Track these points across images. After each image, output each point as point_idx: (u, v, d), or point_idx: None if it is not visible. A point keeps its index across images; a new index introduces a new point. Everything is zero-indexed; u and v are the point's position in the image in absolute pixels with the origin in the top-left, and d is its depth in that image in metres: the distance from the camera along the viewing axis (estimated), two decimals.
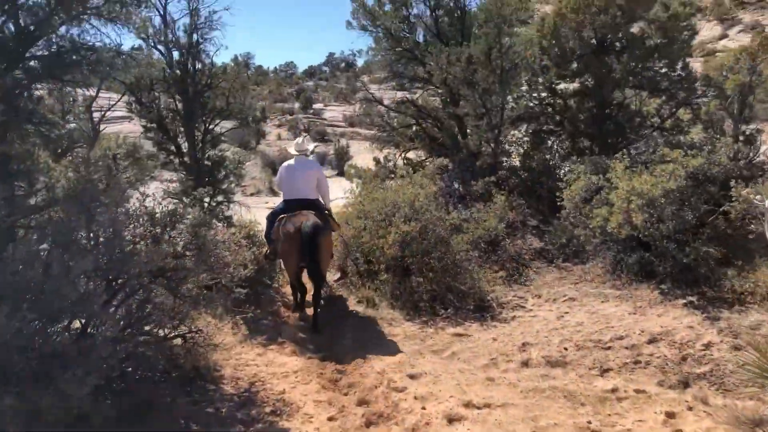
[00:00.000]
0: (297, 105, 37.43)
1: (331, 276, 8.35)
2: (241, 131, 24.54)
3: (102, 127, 11.28)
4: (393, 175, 12.34)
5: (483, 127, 10.20)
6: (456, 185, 10.50)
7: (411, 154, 13.10)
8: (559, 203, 8.59)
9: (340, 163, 19.46)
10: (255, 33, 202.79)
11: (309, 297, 7.26)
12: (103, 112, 9.97)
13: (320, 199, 7.48)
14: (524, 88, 10.59)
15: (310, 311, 7.04)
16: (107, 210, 4.60)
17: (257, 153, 22.14)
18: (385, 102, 13.40)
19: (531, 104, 10.66)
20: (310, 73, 73.60)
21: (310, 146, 7.82)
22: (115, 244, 4.54)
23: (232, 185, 8.90)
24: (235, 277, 5.40)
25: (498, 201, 8.79)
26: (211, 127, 8.49)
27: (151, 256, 4.57)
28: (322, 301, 7.08)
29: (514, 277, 7.92)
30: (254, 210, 14.20)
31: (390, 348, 6.02)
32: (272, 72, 73.27)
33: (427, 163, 12.39)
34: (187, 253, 5.00)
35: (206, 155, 8.58)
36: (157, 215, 4.99)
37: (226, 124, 9.38)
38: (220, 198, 8.79)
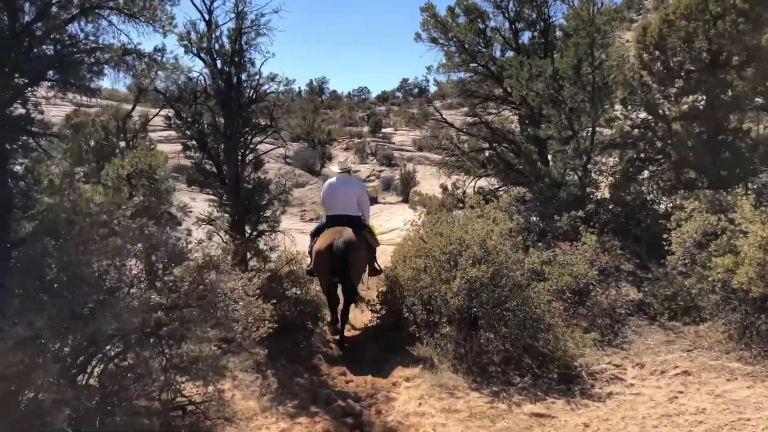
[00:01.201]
0: (366, 129, 36.66)
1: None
2: (306, 152, 23.87)
3: (151, 144, 10.53)
4: (461, 205, 11.06)
5: (569, 152, 8.76)
6: (535, 219, 9.06)
7: (483, 182, 11.74)
8: (663, 247, 7.05)
9: (406, 189, 18.24)
10: (330, 57, 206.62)
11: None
12: (136, 126, 9.10)
13: (362, 215, 7.69)
14: (619, 108, 9.06)
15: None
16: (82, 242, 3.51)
17: (321, 176, 21.25)
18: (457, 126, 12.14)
19: (627, 127, 9.12)
20: (383, 98, 73.53)
21: (352, 165, 8.75)
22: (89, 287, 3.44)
23: (277, 212, 7.78)
24: (250, 334, 4.17)
25: (587, 241, 7.31)
26: (252, 146, 7.41)
27: (136, 307, 3.44)
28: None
29: (607, 338, 6.41)
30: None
31: None
32: (346, 97, 73.69)
33: (501, 193, 11.02)
34: (191, 302, 3.84)
35: (248, 177, 7.51)
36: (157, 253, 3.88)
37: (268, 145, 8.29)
38: (263, 227, 7.68)
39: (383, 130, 37.03)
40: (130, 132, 13.04)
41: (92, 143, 12.74)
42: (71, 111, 13.63)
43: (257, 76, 7.30)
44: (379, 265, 7.86)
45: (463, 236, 6.32)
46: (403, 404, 5.24)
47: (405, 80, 77.89)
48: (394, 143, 30.90)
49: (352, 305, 7.22)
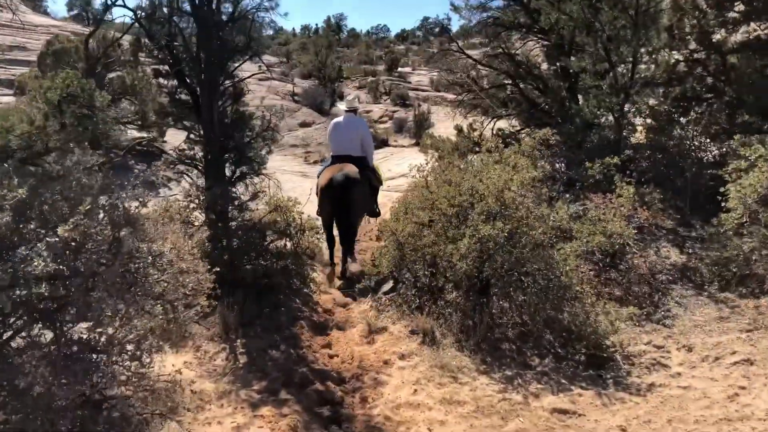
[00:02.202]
0: (382, 67, 34.96)
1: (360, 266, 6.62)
2: (315, 90, 22.51)
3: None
4: (478, 149, 9.90)
5: (605, 88, 7.50)
6: (561, 166, 7.90)
7: (503, 123, 10.51)
8: (710, 201, 5.93)
9: (419, 131, 16.97)
10: None
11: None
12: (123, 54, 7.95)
13: (367, 157, 7.49)
14: (665, 36, 7.71)
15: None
16: None
17: (329, 116, 19.98)
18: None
19: (675, 59, 7.79)
20: (403, 37, 71.29)
21: (361, 105, 8.51)
22: None
23: (262, 152, 6.68)
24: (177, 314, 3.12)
25: (624, 193, 6.16)
26: (232, 70, 6.25)
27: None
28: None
29: (646, 311, 5.34)
30: (313, 182, 12.08)
31: None
32: (364, 35, 71.52)
33: (523, 136, 9.83)
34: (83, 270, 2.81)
35: (226, 109, 6.38)
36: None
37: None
38: (244, 168, 6.60)
39: (400, 69, 35.32)
40: (118, 61, 11.90)
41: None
42: (52, 37, 12.45)
43: None
44: (378, 208, 7.79)
45: (476, 186, 5.21)
46: (395, 390, 4.27)
47: (426, 19, 75.17)
48: (410, 82, 29.32)
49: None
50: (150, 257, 2.84)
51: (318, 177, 7.60)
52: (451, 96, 24.59)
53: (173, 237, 3.35)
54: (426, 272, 5.45)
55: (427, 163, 6.57)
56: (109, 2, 6.61)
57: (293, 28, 67.13)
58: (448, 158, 7.81)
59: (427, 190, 5.71)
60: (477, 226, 4.90)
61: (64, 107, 4.04)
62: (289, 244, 7.17)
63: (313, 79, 25.81)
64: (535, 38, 9.71)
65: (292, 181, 12.41)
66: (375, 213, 7.72)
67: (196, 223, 5.72)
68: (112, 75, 11.93)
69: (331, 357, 4.89)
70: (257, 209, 6.66)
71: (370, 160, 7.62)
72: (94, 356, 2.92)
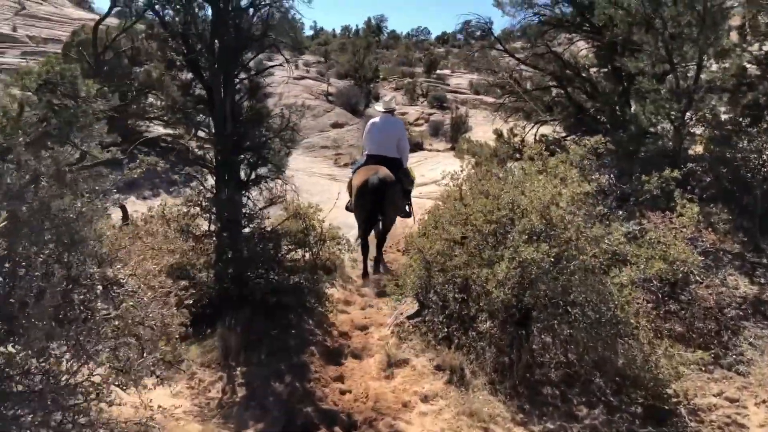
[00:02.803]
0: (420, 69, 34.23)
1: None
2: (350, 90, 21.91)
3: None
4: (518, 156, 9.17)
5: (664, 93, 6.69)
6: (610, 178, 7.10)
7: (546, 129, 9.74)
8: None
9: (456, 135, 16.21)
10: None
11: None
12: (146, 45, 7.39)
13: (402, 158, 7.55)
14: (735, 36, 6.86)
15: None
16: None
17: (364, 117, 19.36)
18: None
19: (746, 62, 6.93)
20: (443, 39, 70.64)
21: (398, 106, 8.21)
22: None
23: (281, 153, 6.07)
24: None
25: (687, 212, 5.35)
26: (247, 62, 5.65)
27: None
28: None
29: (713, 353, 4.54)
30: (342, 185, 11.47)
31: None
32: (404, 37, 71.15)
33: (568, 142, 9.06)
34: None
35: (242, 106, 5.80)
36: None
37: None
38: (263, 170, 5.99)
39: (439, 71, 34.56)
40: (144, 53, 11.49)
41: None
42: (78, 27, 12.11)
43: None
44: (411, 208, 7.86)
45: (517, 199, 4.50)
46: None
47: (467, 22, 74.12)
48: (448, 85, 28.54)
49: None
50: (101, 285, 2.23)
51: (352, 175, 7.66)
52: (490, 99, 23.78)
53: (147, 256, 2.75)
54: (456, 297, 4.75)
55: (462, 170, 5.89)
56: None
57: (333, 29, 67.10)
58: (485, 165, 7.12)
59: (460, 203, 5.01)
60: (518, 248, 4.18)
61: (41, 95, 3.52)
62: (307, 255, 6.59)
63: (349, 79, 25.26)
64: (585, 37, 8.92)
65: (319, 184, 11.83)
66: (407, 214, 7.78)
67: (199, 231, 5.13)
68: (138, 69, 11.55)
69: (342, 393, 4.23)
70: (270, 216, 6.10)
71: (405, 162, 7.66)
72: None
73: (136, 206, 9.85)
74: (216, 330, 4.50)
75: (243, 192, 5.90)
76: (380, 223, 7.22)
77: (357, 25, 58.30)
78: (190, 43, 5.71)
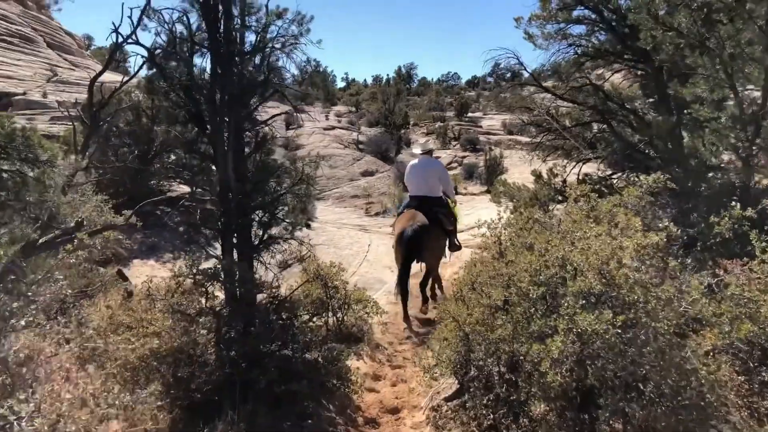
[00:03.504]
0: (451, 113, 33.84)
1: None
2: (380, 137, 21.50)
3: None
4: (560, 198, 8.41)
5: (725, 121, 5.90)
6: (674, 222, 6.26)
7: (589, 167, 8.95)
8: None
9: (491, 177, 15.50)
10: (417, 43, 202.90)
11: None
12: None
13: (443, 194, 8.01)
14: None
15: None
16: None
17: (395, 163, 18.84)
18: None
19: None
20: (474, 83, 70.91)
21: (434, 146, 8.59)
22: None
23: (295, 210, 5.45)
24: None
25: None
26: (250, 111, 5.08)
27: None
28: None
29: None
30: (372, 236, 10.82)
31: None
32: (435, 83, 71.64)
33: (614, 180, 8.30)
34: None
35: (250, 161, 5.21)
36: None
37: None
38: (276, 230, 5.37)
39: (470, 114, 34.11)
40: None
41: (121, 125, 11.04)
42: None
43: (257, 11, 4.98)
44: (458, 241, 8.25)
45: (571, 256, 3.74)
46: None
47: (497, 65, 74.42)
48: (480, 127, 27.99)
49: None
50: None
51: (396, 216, 8.20)
52: (525, 139, 23.11)
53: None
54: (502, 375, 3.96)
55: (499, 218, 5.17)
56: (119, 40, 5.67)
57: (365, 79, 67.80)
58: (526, 211, 6.39)
59: (500, 262, 4.27)
60: (574, 316, 3.42)
61: None
62: (331, 320, 5.91)
63: (379, 126, 24.97)
64: (626, 66, 8.21)
65: (349, 236, 11.20)
66: (457, 247, 8.19)
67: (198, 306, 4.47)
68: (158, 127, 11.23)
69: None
70: (285, 277, 5.46)
71: (450, 196, 8.23)
72: None
73: (156, 270, 9.37)
74: (215, 428, 3.79)
75: (255, 255, 5.30)
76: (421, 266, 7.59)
77: (388, 74, 58.89)
78: (192, 95, 5.22)
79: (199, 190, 5.21)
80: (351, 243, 10.60)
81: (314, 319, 5.52)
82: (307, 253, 6.07)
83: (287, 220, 5.45)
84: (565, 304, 3.51)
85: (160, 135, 10.99)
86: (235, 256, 5.10)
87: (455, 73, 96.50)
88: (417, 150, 8.34)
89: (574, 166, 8.72)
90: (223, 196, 4.89)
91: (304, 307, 5.36)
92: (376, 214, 13.47)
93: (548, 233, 4.47)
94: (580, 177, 8.53)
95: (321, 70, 65.77)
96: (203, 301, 4.19)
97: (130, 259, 9.60)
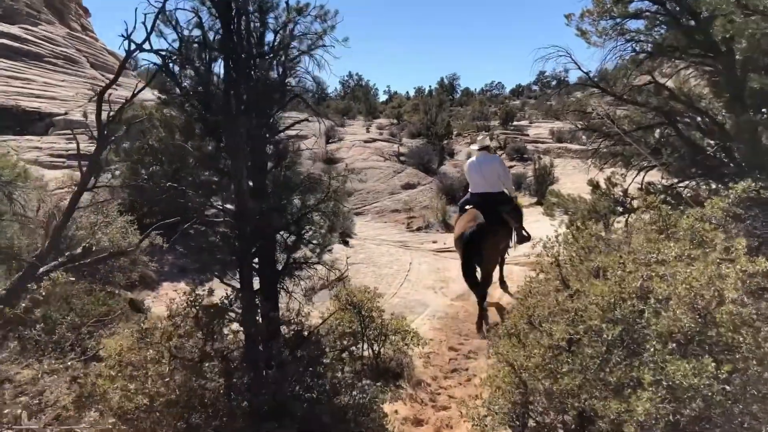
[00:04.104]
0: (496, 122, 32.92)
1: None
2: (422, 149, 20.80)
3: None
4: (622, 209, 7.61)
5: None
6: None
7: (652, 176, 8.09)
8: None
9: (541, 187, 14.62)
10: (460, 54, 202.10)
11: None
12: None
13: (504, 189, 7.98)
14: None
15: None
16: None
17: (438, 175, 18.11)
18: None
19: None
20: (518, 92, 69.91)
21: (492, 143, 9.01)
22: None
23: (322, 230, 4.84)
24: None
25: None
26: (269, 121, 4.50)
27: None
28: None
29: None
30: (414, 254, 10.17)
31: None
32: (478, 93, 70.80)
33: (682, 189, 7.45)
34: None
35: (271, 175, 4.63)
36: None
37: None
38: (300, 253, 4.77)
39: (516, 122, 33.15)
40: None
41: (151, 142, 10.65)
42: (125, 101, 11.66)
43: (275, 6, 4.42)
44: (527, 232, 8.20)
45: (655, 286, 3.00)
46: None
47: (542, 73, 73.73)
48: (527, 135, 27.01)
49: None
50: None
51: (459, 214, 8.17)
52: (576, 146, 22.08)
53: None
54: (568, 429, 3.23)
55: (556, 235, 4.46)
56: (132, 47, 5.19)
57: (407, 92, 67.40)
58: (586, 227, 5.65)
59: (562, 292, 3.55)
60: (662, 362, 2.69)
61: None
62: (366, 353, 5.28)
63: (421, 137, 24.32)
64: (693, 62, 7.36)
65: (389, 253, 10.54)
66: (524, 238, 8.14)
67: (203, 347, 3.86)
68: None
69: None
70: (312, 304, 4.87)
71: (510, 191, 8.15)
72: None
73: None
74: None
75: (279, 283, 4.72)
76: (479, 271, 7.35)
77: (430, 86, 58.49)
78: (208, 104, 4.68)
79: (214, 210, 4.64)
80: (391, 261, 9.94)
81: (345, 354, 4.89)
82: (339, 277, 5.44)
83: (314, 242, 4.86)
84: (651, 349, 2.78)
85: (193, 151, 10.60)
86: (257, 284, 4.55)
87: (499, 83, 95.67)
88: (475, 147, 8.33)
89: (636, 175, 7.89)
90: (240, 216, 4.32)
91: (334, 341, 4.73)
92: (418, 229, 12.78)
93: (618, 255, 3.73)
94: (643, 186, 7.70)
95: (363, 83, 65.77)
96: (209, 342, 3.57)
97: (159, 282, 9.18)
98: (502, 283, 8.60)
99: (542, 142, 24.71)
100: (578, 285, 3.64)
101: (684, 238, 3.69)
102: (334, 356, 4.49)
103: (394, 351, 5.43)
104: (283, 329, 4.54)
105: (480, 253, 7.18)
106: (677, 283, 2.91)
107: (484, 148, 8.10)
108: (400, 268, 9.59)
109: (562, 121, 30.15)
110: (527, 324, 3.75)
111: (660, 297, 2.94)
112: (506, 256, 8.80)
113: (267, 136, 4.59)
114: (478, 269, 7.34)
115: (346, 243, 11.02)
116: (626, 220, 7.48)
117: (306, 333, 4.40)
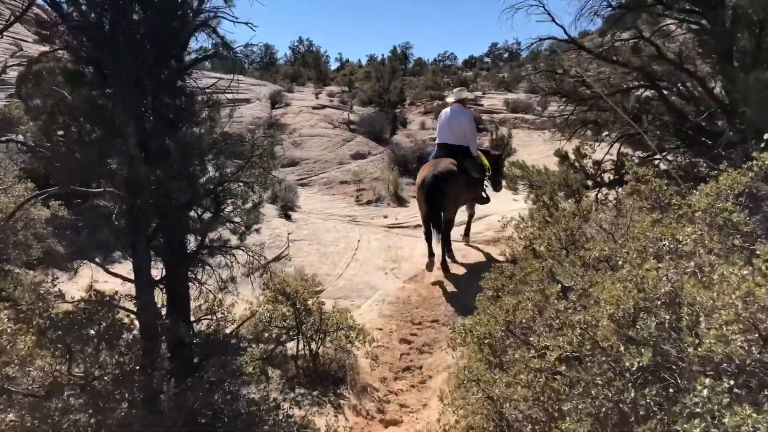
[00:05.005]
0: (449, 92, 32.06)
1: None
2: (373, 117, 19.72)
3: None
4: (596, 184, 6.85)
5: None
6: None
7: (626, 147, 7.32)
8: None
9: None
10: (411, 23, 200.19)
11: None
12: None
13: (469, 147, 7.90)
14: None
15: None
16: None
17: (390, 144, 17.13)
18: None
19: None
20: (471, 63, 69.18)
21: (469, 95, 8.79)
22: None
23: (246, 205, 3.84)
24: None
25: None
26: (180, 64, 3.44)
27: None
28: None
29: None
30: (363, 230, 9.29)
31: None
32: (431, 63, 69.77)
33: (657, 162, 6.71)
34: None
35: (178, 133, 3.58)
36: None
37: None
38: (213, 234, 3.76)
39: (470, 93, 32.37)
40: None
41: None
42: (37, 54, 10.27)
43: None
44: (487, 194, 8.42)
45: (695, 293, 2.13)
46: None
47: (494, 44, 73.31)
48: (482, 105, 26.20)
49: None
50: None
51: (419, 159, 8.22)
52: (532, 117, 21.45)
53: None
54: None
55: (530, 217, 3.57)
56: None
57: (359, 59, 65.79)
58: (552, 200, 4.87)
59: (556, 292, 2.66)
60: (716, 407, 1.84)
61: None
62: (303, 351, 4.36)
63: (373, 105, 23.23)
64: (678, 19, 6.56)
65: (335, 229, 9.56)
66: (483, 200, 8.39)
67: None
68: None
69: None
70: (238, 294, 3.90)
71: (473, 150, 7.95)
72: None
73: (100, 275, 7.76)
74: None
75: (190, 270, 3.71)
76: (439, 218, 7.22)
77: (383, 54, 57.16)
78: (99, 41, 3.57)
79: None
80: (338, 238, 8.98)
81: (278, 350, 3.96)
82: (278, 257, 4.46)
83: (235, 220, 3.85)
84: (698, 386, 1.91)
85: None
86: (159, 273, 3.55)
87: (452, 53, 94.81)
88: (450, 98, 8.30)
89: (613, 144, 7.10)
90: (128, 186, 3.27)
91: (258, 342, 3.78)
92: (368, 202, 11.81)
93: (621, 241, 2.91)
94: (618, 159, 6.94)
95: (314, 50, 63.85)
96: (61, 367, 2.54)
97: (72, 258, 7.97)
98: (466, 236, 8.56)
99: (497, 113, 23.98)
100: (570, 281, 2.80)
101: (701, 220, 2.90)
102: (257, 366, 3.54)
103: (335, 350, 4.51)
104: (196, 327, 3.58)
105: (442, 200, 7.10)
106: (729, 290, 2.05)
107: (460, 101, 8.11)
108: (347, 245, 8.64)
109: (515, 93, 29.52)
110: (505, 331, 2.85)
111: (705, 309, 2.07)
112: (473, 212, 8.75)
113: (170, 81, 3.52)
114: (436, 222, 7.21)
115: (288, 217, 9.98)
116: (596, 196, 6.75)
117: (221, 336, 3.44)
